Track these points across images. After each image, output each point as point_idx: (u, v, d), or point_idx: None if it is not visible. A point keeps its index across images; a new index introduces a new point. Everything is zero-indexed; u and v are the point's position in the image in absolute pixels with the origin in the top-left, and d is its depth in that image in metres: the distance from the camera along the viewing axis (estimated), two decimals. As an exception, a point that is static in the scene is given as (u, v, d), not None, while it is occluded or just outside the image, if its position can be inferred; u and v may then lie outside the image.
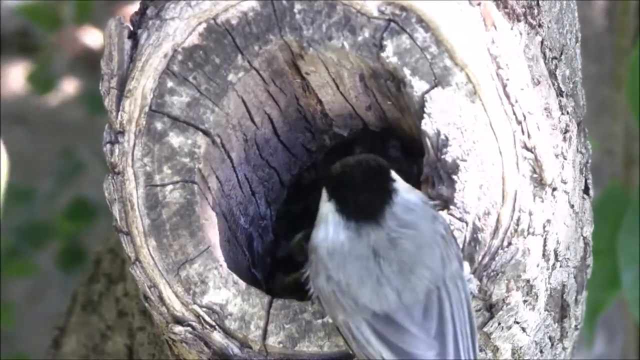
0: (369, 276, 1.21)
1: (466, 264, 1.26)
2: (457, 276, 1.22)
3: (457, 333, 1.20)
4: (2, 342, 2.98)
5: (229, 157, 1.35)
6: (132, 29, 1.30)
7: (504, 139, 1.27)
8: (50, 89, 3.14)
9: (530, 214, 1.28)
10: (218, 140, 1.32)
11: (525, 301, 1.32)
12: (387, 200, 1.23)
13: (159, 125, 1.29)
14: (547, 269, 1.34)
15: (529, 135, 1.28)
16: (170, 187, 1.29)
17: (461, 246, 1.26)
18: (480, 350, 1.31)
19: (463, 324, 1.20)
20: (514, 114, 1.27)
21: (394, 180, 1.25)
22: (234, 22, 1.28)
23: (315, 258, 1.24)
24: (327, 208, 1.25)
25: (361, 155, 1.30)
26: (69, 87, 3.49)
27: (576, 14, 1.45)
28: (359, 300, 1.21)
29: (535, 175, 1.29)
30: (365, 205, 1.23)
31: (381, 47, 1.27)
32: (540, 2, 1.34)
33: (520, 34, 1.32)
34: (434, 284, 1.21)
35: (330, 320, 1.25)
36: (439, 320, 1.20)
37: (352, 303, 1.21)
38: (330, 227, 1.24)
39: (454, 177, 1.27)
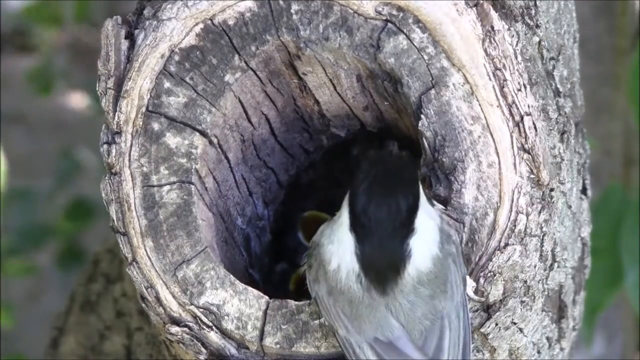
0: (378, 316, 1.20)
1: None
2: (460, 305, 1.22)
3: None
4: (2, 342, 2.98)
5: (226, 157, 1.34)
6: (129, 29, 1.30)
7: (502, 139, 1.27)
8: (50, 89, 3.14)
9: (528, 214, 1.28)
10: (215, 140, 1.31)
11: (522, 302, 1.31)
12: (405, 258, 1.18)
13: (155, 126, 1.29)
14: (545, 270, 1.34)
15: (526, 136, 1.27)
16: (167, 187, 1.28)
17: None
18: (478, 351, 1.31)
19: (456, 356, 1.22)
20: (512, 114, 1.27)
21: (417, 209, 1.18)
22: (230, 22, 1.28)
23: (317, 265, 1.22)
24: (347, 242, 1.18)
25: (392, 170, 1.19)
26: (69, 87, 3.49)
27: (574, 14, 1.45)
28: (362, 327, 1.21)
29: (532, 176, 1.28)
30: (384, 269, 1.18)
31: (378, 48, 1.27)
32: (537, 3, 1.34)
33: (518, 34, 1.32)
34: (439, 315, 1.21)
35: (326, 323, 1.25)
36: (437, 347, 1.21)
37: (355, 327, 1.21)
38: (343, 265, 1.19)
39: (451, 177, 1.27)
